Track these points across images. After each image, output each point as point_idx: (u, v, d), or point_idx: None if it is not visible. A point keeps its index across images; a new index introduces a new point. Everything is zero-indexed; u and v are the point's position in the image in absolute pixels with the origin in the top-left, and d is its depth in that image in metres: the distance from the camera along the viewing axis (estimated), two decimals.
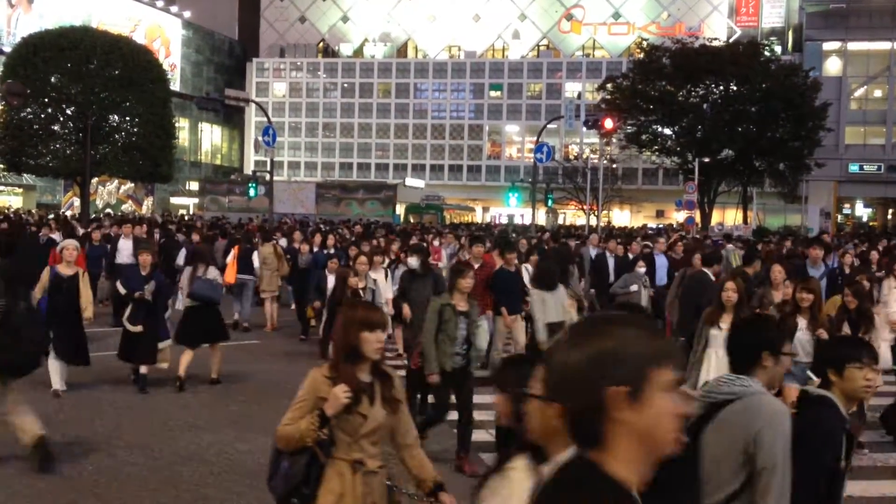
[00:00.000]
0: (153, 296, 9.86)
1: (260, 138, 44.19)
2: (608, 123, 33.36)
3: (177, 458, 7.56)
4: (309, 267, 14.52)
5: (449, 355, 7.09)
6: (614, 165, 61.11)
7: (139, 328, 9.71)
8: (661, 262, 14.67)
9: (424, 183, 79.16)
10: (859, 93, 66.36)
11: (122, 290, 10.03)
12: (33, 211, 46.53)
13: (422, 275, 9.71)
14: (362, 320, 3.69)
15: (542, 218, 50.32)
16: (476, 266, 10.40)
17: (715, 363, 7.01)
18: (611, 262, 15.09)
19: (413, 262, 9.84)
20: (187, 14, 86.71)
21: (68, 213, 44.67)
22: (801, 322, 7.29)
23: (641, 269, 13.07)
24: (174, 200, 77.40)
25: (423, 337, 7.22)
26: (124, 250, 16.05)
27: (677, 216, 60.21)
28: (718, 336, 7.06)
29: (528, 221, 44.33)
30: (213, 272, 10.73)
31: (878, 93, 66.81)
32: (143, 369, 10.02)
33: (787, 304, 8.02)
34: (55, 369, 9.54)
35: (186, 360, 10.15)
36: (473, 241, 12.87)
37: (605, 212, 56.86)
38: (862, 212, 70.05)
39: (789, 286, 8.36)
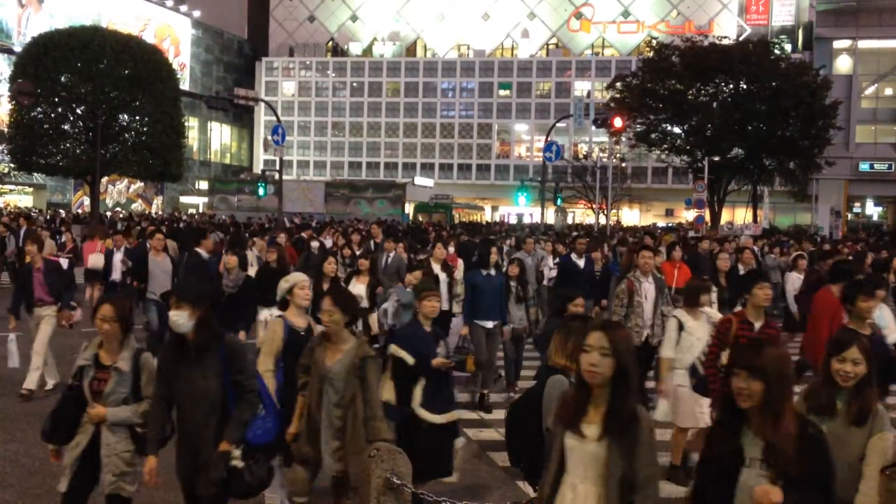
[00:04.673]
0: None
1: (269, 137, 44.31)
2: (617, 122, 33.43)
3: None
4: (236, 293, 10.18)
5: None
6: (623, 164, 61.00)
7: (441, 417, 5.73)
8: None
9: (433, 182, 79.31)
10: (870, 91, 65.98)
11: (410, 360, 5.72)
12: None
13: (199, 346, 4.61)
14: None
15: (551, 217, 50.28)
16: (728, 327, 6.26)
17: None
18: None
19: (180, 319, 4.54)
20: (197, 13, 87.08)
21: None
22: None
23: None
24: (184, 199, 77.74)
25: None
26: None
27: (687, 215, 60.04)
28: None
29: (537, 220, 44.27)
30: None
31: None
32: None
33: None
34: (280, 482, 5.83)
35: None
36: (691, 296, 6.98)
37: (614, 211, 56.76)
38: (872, 210, 69.77)
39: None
